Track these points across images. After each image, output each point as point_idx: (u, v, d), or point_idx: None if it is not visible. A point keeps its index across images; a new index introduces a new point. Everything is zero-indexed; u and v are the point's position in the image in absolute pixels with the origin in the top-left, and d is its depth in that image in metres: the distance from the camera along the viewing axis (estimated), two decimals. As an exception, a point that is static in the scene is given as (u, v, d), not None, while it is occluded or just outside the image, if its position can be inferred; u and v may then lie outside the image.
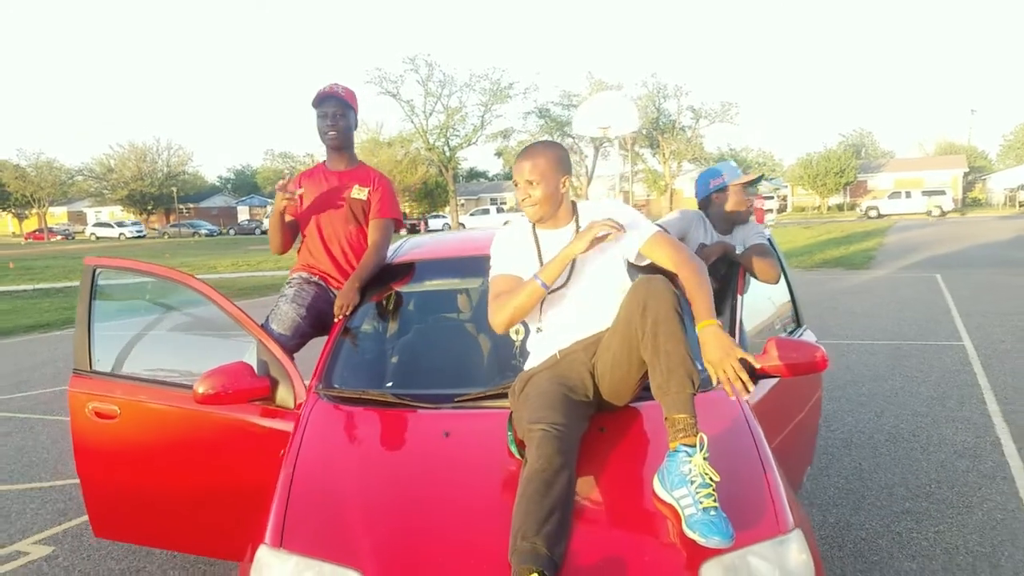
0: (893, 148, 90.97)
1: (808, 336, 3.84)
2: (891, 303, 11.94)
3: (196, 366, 3.00)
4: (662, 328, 2.22)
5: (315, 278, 3.60)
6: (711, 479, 2.06)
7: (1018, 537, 3.79)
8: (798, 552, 2.06)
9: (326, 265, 3.58)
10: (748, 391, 2.18)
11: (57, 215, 76.78)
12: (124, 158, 66.76)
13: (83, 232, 67.59)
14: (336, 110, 3.53)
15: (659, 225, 3.37)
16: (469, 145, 62.77)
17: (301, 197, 3.57)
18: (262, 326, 3.26)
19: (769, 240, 3.78)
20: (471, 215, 60.15)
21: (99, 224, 64.58)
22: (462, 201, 67.34)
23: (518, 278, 2.57)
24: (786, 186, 71.25)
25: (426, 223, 52.98)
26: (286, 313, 3.41)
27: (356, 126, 3.66)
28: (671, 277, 2.52)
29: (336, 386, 2.90)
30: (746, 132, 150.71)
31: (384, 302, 3.48)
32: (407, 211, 61.84)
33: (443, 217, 61.76)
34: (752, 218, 3.82)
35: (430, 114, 58.24)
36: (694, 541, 1.99)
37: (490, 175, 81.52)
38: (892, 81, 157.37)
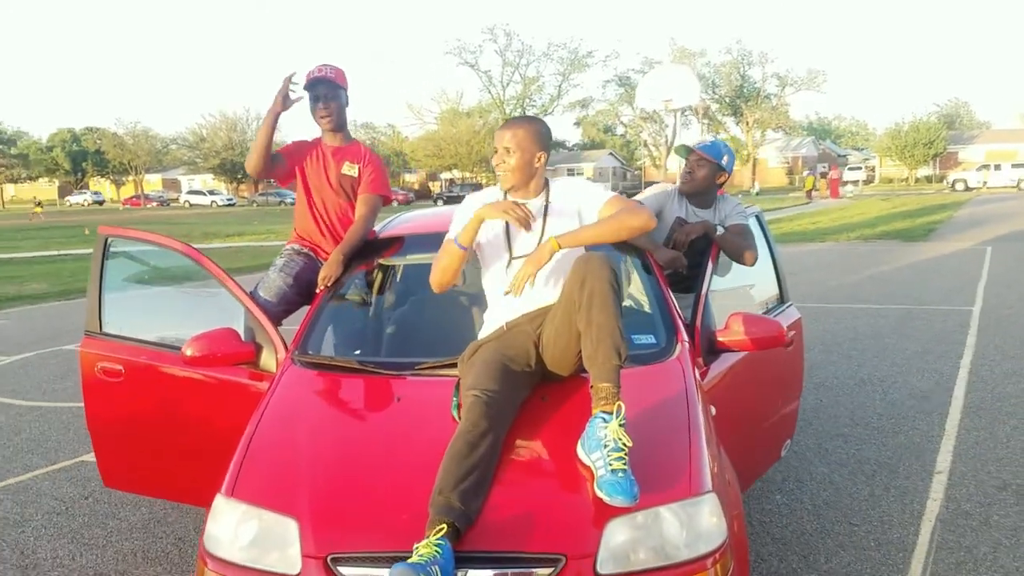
0: (990, 119, 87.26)
1: (790, 312, 3.94)
2: (926, 272, 12.34)
3: (195, 330, 3.14)
4: (596, 301, 2.36)
5: (305, 249, 3.76)
6: (624, 444, 2.17)
7: (924, 454, 4.54)
8: (709, 514, 2.16)
9: (316, 237, 3.74)
10: (513, 293, 2.54)
11: (152, 182, 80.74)
12: (215, 128, 69.59)
13: (177, 199, 71.14)
14: (327, 91, 3.63)
15: (637, 200, 3.56)
16: (546, 115, 63.35)
17: (301, 166, 3.73)
18: (251, 293, 3.42)
19: (757, 218, 3.91)
20: (546, 185, 60.78)
21: (192, 192, 67.87)
22: (539, 171, 67.82)
23: (466, 251, 2.72)
24: (874, 157, 69.48)
25: (504, 196, 53.76)
26: (274, 281, 3.61)
27: (348, 103, 3.75)
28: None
29: (310, 352, 3.07)
30: (834, 100, 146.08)
31: (368, 274, 3.61)
32: (483, 181, 62.90)
33: (520, 187, 62.58)
34: (732, 198, 3.90)
35: (507, 84, 59.35)
36: (602, 500, 2.11)
37: (568, 144, 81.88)
38: (994, 49, 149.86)
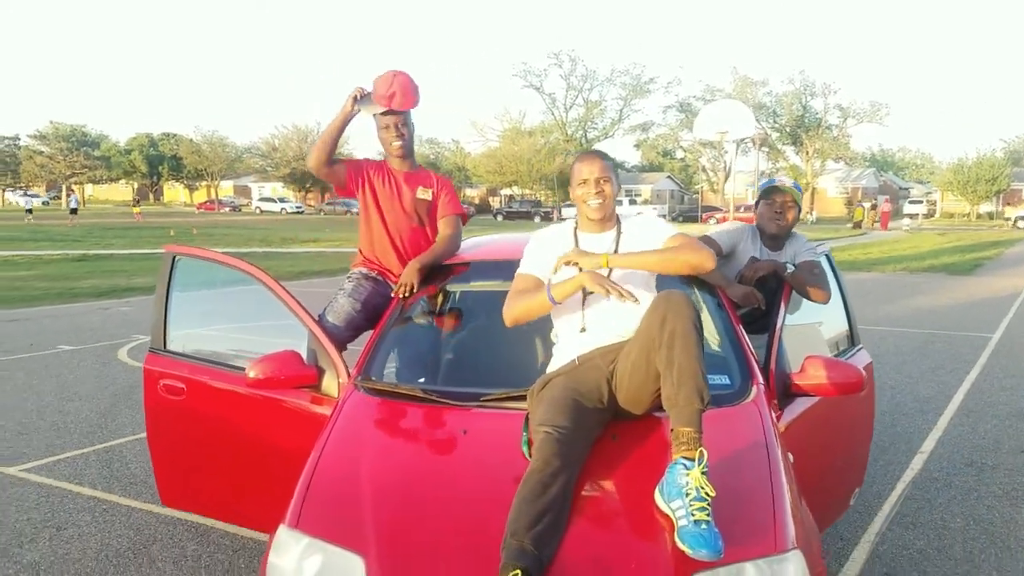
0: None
1: (861, 356, 3.84)
2: (960, 304, 13.21)
3: (259, 350, 3.12)
4: (678, 341, 2.27)
5: (374, 273, 3.71)
6: (707, 493, 2.07)
7: (912, 440, 5.63)
8: (795, 572, 2.06)
9: (389, 260, 3.68)
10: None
11: (224, 188, 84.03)
12: (287, 138, 72.34)
13: (248, 205, 74.09)
14: (399, 120, 3.58)
15: (709, 236, 3.66)
16: (606, 137, 64.62)
17: (371, 185, 3.66)
18: (318, 317, 3.41)
19: (827, 257, 3.85)
20: (604, 205, 61.77)
21: (263, 199, 70.58)
22: (597, 192, 68.82)
23: (539, 279, 2.71)
24: (936, 191, 69.00)
25: (559, 212, 55.30)
26: (342, 306, 3.56)
27: (414, 128, 3.71)
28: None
29: (373, 378, 3.01)
30: (899, 133, 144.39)
31: (433, 299, 3.57)
32: (543, 198, 64.26)
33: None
34: (802, 236, 3.83)
35: (570, 107, 60.79)
36: (684, 552, 2.01)
37: (628, 166, 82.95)
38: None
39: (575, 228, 2.80)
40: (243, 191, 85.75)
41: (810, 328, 3.80)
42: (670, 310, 2.34)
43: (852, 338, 3.99)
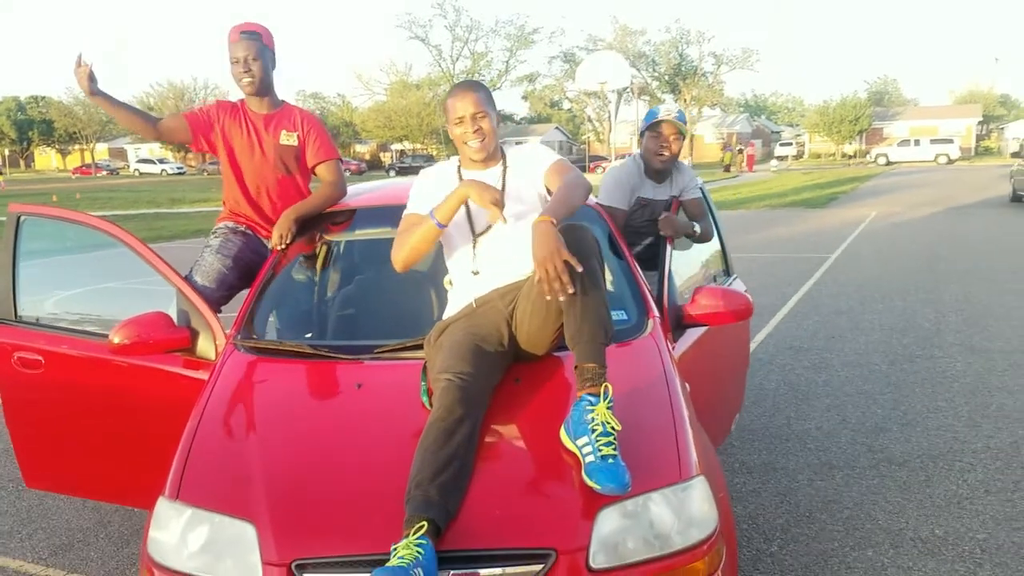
0: (917, 96, 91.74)
1: (737, 284, 3.92)
2: (810, 231, 14.95)
3: (121, 316, 2.89)
4: (579, 277, 2.18)
5: (243, 227, 3.43)
6: (612, 428, 2.06)
7: (753, 332, 6.94)
8: (700, 499, 2.07)
9: (253, 216, 3.43)
10: (568, 292, 2.16)
11: (99, 151, 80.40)
12: (163, 96, 69.75)
13: (126, 168, 71.20)
14: (248, 54, 3.25)
15: (612, 207, 3.55)
16: (495, 89, 65.09)
17: (224, 135, 3.37)
18: (185, 278, 3.15)
19: (701, 189, 3.86)
20: (494, 157, 62.77)
21: (142, 160, 67.95)
22: (487, 143, 69.57)
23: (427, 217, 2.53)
24: (805, 133, 72.96)
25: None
26: (211, 264, 3.28)
27: (274, 65, 3.38)
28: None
29: (254, 337, 2.86)
30: (772, 78, 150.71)
31: (316, 250, 3.38)
32: (435, 152, 64.59)
33: (468, 159, 64.38)
34: (686, 164, 3.84)
35: (457, 59, 60.91)
36: (592, 489, 1.99)
37: (516, 119, 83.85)
38: (923, 28, 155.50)
39: (459, 166, 2.68)
40: (119, 153, 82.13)
41: (690, 261, 3.92)
42: (571, 246, 2.23)
43: (727, 269, 4.13)
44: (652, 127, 3.60)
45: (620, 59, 21.48)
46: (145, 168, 65.28)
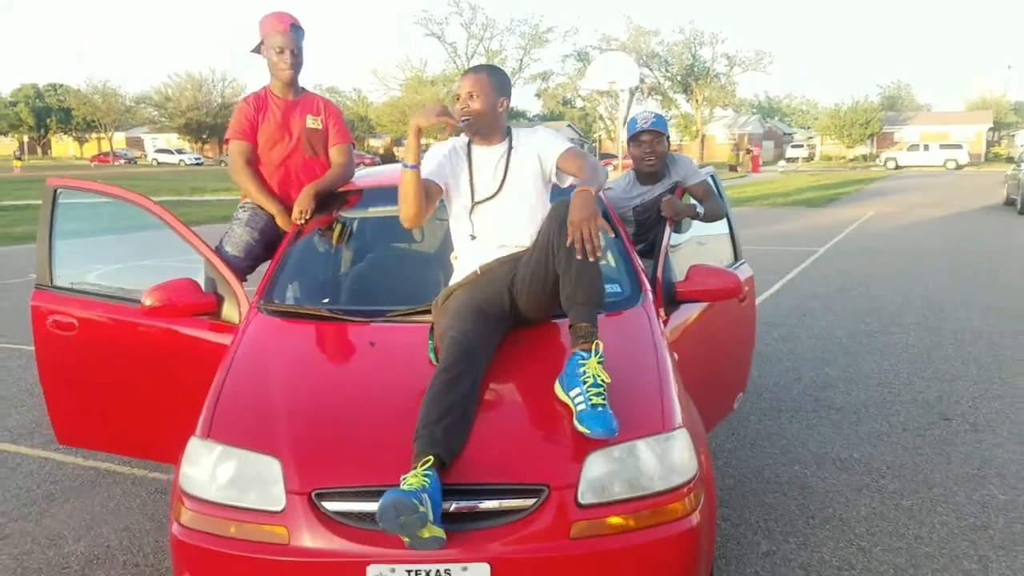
0: (931, 102, 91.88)
1: (744, 269, 4.10)
2: (806, 227, 15.66)
3: (150, 283, 3.08)
4: (575, 243, 2.32)
5: None
6: (603, 380, 2.23)
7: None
8: (682, 448, 2.27)
9: (279, 193, 3.60)
10: (596, 255, 2.32)
11: (116, 140, 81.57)
12: (181, 87, 70.71)
13: (143, 157, 72.27)
14: (294, 46, 3.50)
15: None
16: (507, 86, 65.83)
17: (256, 125, 3.56)
18: (216, 248, 3.37)
19: (712, 177, 3.99)
20: (505, 153, 63.52)
21: (160, 151, 69.02)
22: (499, 140, 70.24)
23: (433, 182, 2.74)
24: (816, 136, 73.38)
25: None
26: (240, 236, 3.50)
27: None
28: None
29: (276, 302, 3.05)
30: (783, 81, 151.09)
31: (332, 224, 3.54)
32: (446, 147, 65.01)
33: (480, 154, 65.08)
34: (685, 157, 3.95)
35: (471, 56, 61.55)
36: (582, 434, 2.18)
37: (529, 115, 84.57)
38: (938, 35, 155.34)
39: (469, 142, 2.84)
40: (135, 143, 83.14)
41: (698, 246, 4.18)
42: (567, 215, 2.39)
43: (735, 253, 4.26)
44: (633, 137, 3.81)
45: (629, 60, 22.17)
46: (163, 158, 66.32)
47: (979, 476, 3.89)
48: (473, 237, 2.79)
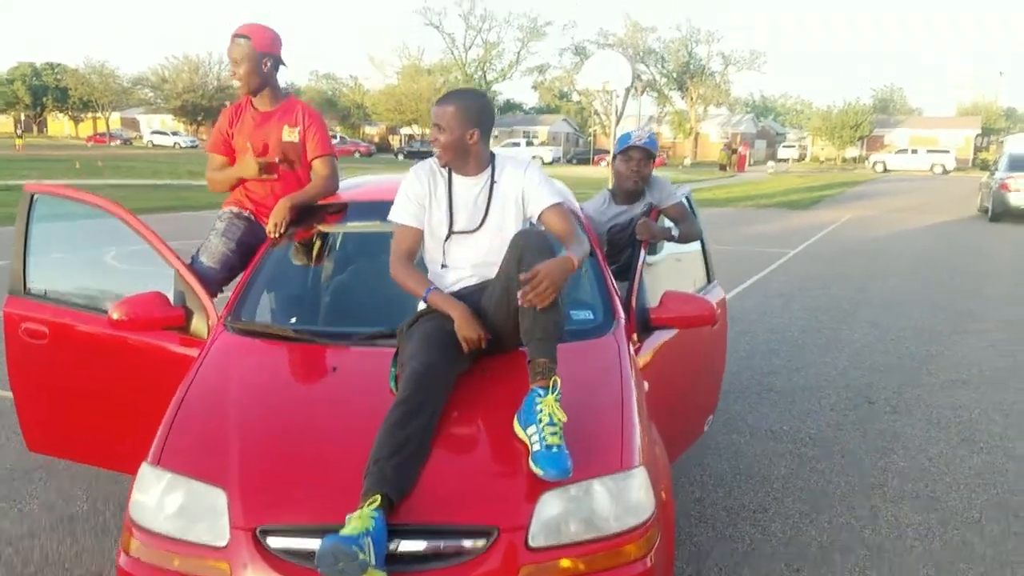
0: (922, 106, 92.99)
1: (716, 292, 4.14)
2: (785, 229, 16.42)
3: (125, 292, 3.06)
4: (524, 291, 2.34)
5: (246, 213, 3.61)
6: (558, 419, 2.23)
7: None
8: (639, 488, 2.24)
9: (255, 204, 3.60)
10: (532, 305, 2.36)
11: (112, 120, 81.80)
12: (178, 69, 70.90)
13: (139, 138, 72.60)
14: (236, 56, 3.42)
15: (580, 206, 3.72)
16: (505, 79, 66.54)
17: (232, 135, 3.58)
18: (192, 259, 3.38)
19: (687, 199, 4.00)
20: (501, 147, 64.32)
21: (156, 132, 69.33)
22: (495, 132, 70.34)
23: (420, 232, 2.77)
24: (808, 136, 74.20)
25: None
26: (216, 246, 3.47)
27: (274, 66, 3.51)
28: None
29: (244, 319, 3.00)
30: (778, 81, 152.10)
31: (309, 239, 3.50)
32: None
33: (476, 146, 65.73)
34: (662, 178, 3.95)
35: (469, 47, 62.28)
36: (536, 474, 2.16)
37: (525, 108, 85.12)
38: (932, 41, 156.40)
39: (450, 170, 2.79)
40: (131, 123, 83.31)
41: (671, 267, 4.17)
42: (527, 248, 2.45)
43: (708, 275, 4.27)
44: (623, 151, 3.82)
45: (623, 60, 22.77)
46: (158, 140, 66.61)
47: (887, 448, 4.63)
48: (444, 266, 2.80)
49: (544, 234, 2.60)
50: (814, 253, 12.96)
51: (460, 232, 2.75)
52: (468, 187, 2.78)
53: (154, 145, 65.68)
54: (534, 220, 2.80)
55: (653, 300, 3.23)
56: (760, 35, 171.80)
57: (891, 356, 6.61)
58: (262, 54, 3.45)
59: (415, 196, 2.79)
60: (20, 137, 50.86)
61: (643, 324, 3.14)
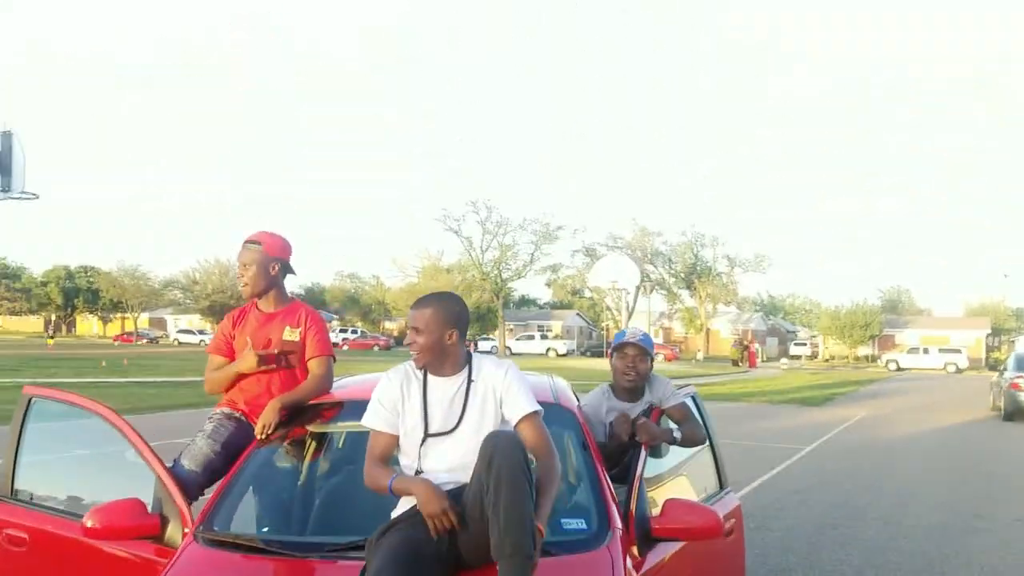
0: (930, 306, 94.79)
1: (728, 500, 3.86)
2: (797, 426, 16.59)
3: (107, 497, 3.01)
4: (504, 486, 2.24)
5: (237, 414, 3.60)
6: None
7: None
8: None
9: (250, 405, 3.58)
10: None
11: (140, 320, 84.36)
12: (208, 271, 74.00)
13: (166, 337, 74.62)
14: (246, 260, 3.55)
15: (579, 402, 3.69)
16: (519, 277, 68.86)
17: (234, 336, 3.64)
18: (174, 461, 3.34)
19: (693, 398, 3.89)
20: (516, 340, 65.73)
21: (182, 331, 71.51)
22: (511, 326, 72.73)
23: (393, 437, 2.69)
24: (817, 335, 75.32)
25: (476, 345, 58.08)
26: (200, 449, 3.44)
27: (282, 270, 3.64)
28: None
29: (216, 528, 2.91)
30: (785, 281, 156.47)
31: (297, 440, 3.47)
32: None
33: (492, 340, 67.44)
34: (663, 377, 3.92)
35: (486, 249, 64.82)
36: None
37: (540, 303, 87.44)
38: (938, 245, 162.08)
39: (425, 370, 2.75)
40: (158, 323, 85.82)
41: (678, 475, 3.88)
42: (497, 451, 2.34)
43: (720, 481, 3.98)
44: (618, 348, 3.82)
45: (631, 262, 24.07)
46: (184, 338, 68.58)
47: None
48: (419, 471, 2.66)
49: (515, 435, 2.52)
50: (829, 450, 13.07)
51: (436, 434, 2.67)
52: (444, 387, 2.73)
53: (180, 343, 67.40)
54: (511, 425, 2.69)
55: (658, 508, 3.03)
56: (762, 239, 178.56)
57: (904, 555, 6.68)
58: (272, 258, 3.60)
59: (388, 401, 2.75)
60: (51, 337, 52.62)
61: (643, 535, 2.88)
